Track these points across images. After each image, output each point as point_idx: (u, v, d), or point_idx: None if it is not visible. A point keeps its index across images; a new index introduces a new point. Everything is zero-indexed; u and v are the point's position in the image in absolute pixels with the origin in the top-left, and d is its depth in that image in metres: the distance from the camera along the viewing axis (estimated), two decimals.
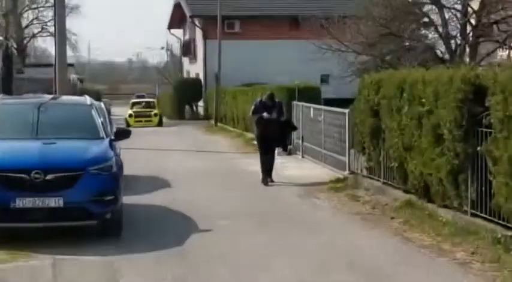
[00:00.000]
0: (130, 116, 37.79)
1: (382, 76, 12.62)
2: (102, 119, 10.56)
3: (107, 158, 9.39)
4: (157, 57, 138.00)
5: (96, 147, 9.60)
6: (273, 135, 14.41)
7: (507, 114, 8.42)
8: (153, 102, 41.20)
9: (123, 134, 10.66)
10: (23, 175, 8.79)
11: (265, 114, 14.36)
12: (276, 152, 16.56)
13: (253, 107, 14.83)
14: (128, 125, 34.44)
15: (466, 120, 9.50)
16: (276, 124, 14.46)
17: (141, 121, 36.80)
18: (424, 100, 10.61)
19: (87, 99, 11.09)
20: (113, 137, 10.31)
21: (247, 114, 26.42)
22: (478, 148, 9.26)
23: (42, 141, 9.53)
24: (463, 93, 9.51)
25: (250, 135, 25.65)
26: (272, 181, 14.17)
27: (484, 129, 9.14)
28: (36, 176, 8.77)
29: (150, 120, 37.26)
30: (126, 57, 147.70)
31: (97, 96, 51.87)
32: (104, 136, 10.06)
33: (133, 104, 41.04)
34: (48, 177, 8.80)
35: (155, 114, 37.88)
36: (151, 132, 30.82)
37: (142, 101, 42.44)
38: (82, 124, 10.30)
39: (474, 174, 9.45)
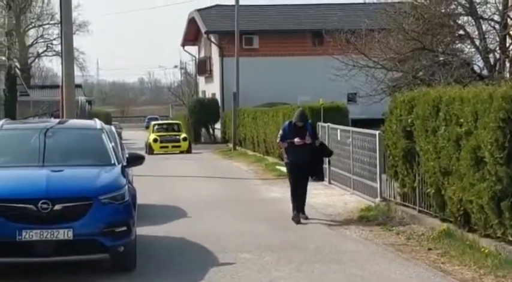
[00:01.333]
0: (155, 140, 35.18)
1: (416, 94, 12.58)
2: (113, 144, 10.58)
3: (119, 186, 9.39)
4: (170, 77, 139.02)
5: (107, 175, 9.61)
6: (307, 163, 13.24)
7: None
8: (178, 124, 38.94)
9: (135, 160, 10.68)
10: (29, 205, 8.77)
11: (297, 140, 13.08)
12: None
13: (281, 132, 13.56)
14: (151, 151, 33.66)
15: (509, 141, 9.43)
16: (310, 150, 13.26)
17: (167, 147, 34.83)
18: (462, 120, 10.55)
19: (97, 123, 11.13)
20: (125, 164, 10.33)
21: (268, 136, 26.55)
22: None
23: (49, 169, 9.55)
24: (505, 112, 9.44)
25: (271, 159, 25.72)
26: (306, 217, 13.21)
27: None
28: (44, 206, 8.76)
29: (178, 146, 35.02)
30: (137, 77, 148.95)
31: (106, 119, 52.32)
32: (116, 162, 10.08)
33: (156, 127, 38.33)
34: (57, 207, 8.79)
35: (184, 139, 35.46)
36: (164, 158, 30.90)
37: (165, 123, 40.96)
38: (92, 150, 10.35)
39: None
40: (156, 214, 13.87)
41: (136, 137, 50.38)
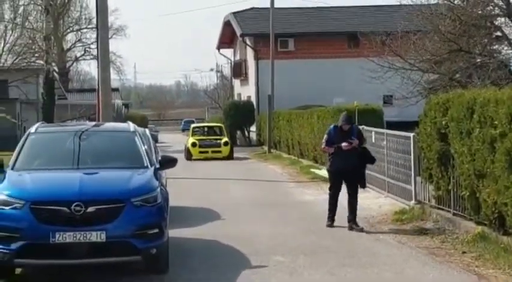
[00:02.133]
0: (193, 145, 31.90)
1: (450, 96, 12.44)
2: (146, 147, 10.62)
3: (152, 189, 9.41)
4: (206, 80, 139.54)
5: (139, 177, 9.63)
6: (352, 169, 12.72)
7: None
8: (219, 127, 35.29)
9: (168, 162, 10.70)
10: (62, 208, 8.82)
11: (344, 145, 12.56)
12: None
13: (326, 137, 13.02)
14: (190, 156, 31.27)
15: None
16: (356, 155, 12.73)
17: (207, 152, 31.59)
18: (496, 122, 10.41)
19: (131, 126, 11.17)
20: (158, 166, 10.36)
21: (303, 139, 26.49)
22: None
23: (82, 172, 9.62)
24: None
25: (306, 162, 25.66)
26: (361, 229, 12.46)
27: None
28: (77, 208, 8.79)
29: (219, 151, 31.58)
30: (174, 80, 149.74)
31: (142, 122, 52.62)
32: (149, 165, 10.10)
33: (195, 130, 35.15)
34: (90, 209, 8.82)
35: (225, 143, 31.86)
36: (198, 160, 30.93)
37: (205, 126, 37.34)
38: (125, 152, 10.39)
39: None
40: (190, 216, 13.91)
41: (173, 140, 50.60)
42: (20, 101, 44.54)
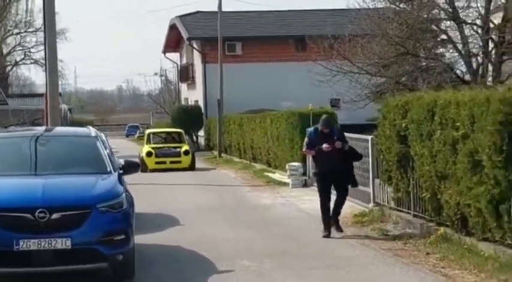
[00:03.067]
0: (149, 154, 27.64)
1: (409, 99, 12.59)
2: (108, 151, 10.50)
3: (117, 194, 9.29)
4: (151, 84, 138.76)
5: (104, 183, 9.51)
6: (339, 170, 12.54)
7: None
8: (178, 133, 31.02)
9: (132, 167, 10.57)
10: (26, 215, 8.65)
11: (325, 146, 12.44)
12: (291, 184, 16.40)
13: (307, 140, 12.90)
14: (144, 167, 25.68)
15: (507, 144, 9.45)
16: (340, 156, 12.56)
17: (164, 162, 27.53)
18: (458, 124, 10.56)
19: (91, 131, 11.02)
20: (121, 171, 10.24)
21: (255, 143, 26.49)
22: None
23: (45, 178, 9.45)
24: (503, 115, 9.47)
25: (259, 166, 25.68)
26: (341, 230, 12.48)
27: None
28: (41, 215, 8.62)
29: (178, 161, 27.61)
30: (116, 85, 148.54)
31: (82, 127, 51.79)
32: (112, 170, 9.97)
33: (151, 136, 30.59)
34: (54, 216, 8.66)
35: (186, 152, 27.91)
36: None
37: (163, 132, 32.57)
38: (87, 158, 10.22)
39: None
40: (149, 222, 13.75)
41: (119, 146, 49.90)
42: None
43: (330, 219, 12.44)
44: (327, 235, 12.21)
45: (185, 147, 28.44)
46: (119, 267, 9.06)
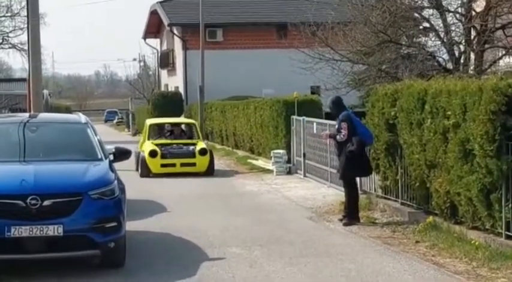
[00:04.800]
0: (153, 154, 19.96)
1: (399, 87, 12.60)
2: (98, 138, 10.43)
3: (109, 181, 9.23)
4: (130, 70, 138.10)
5: (96, 169, 9.45)
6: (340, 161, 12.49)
7: None
8: (190, 126, 23.04)
9: (123, 154, 10.50)
10: (17, 201, 8.59)
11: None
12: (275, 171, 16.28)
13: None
14: (147, 171, 19.91)
15: (499, 133, 9.50)
16: (338, 145, 12.41)
17: (173, 165, 19.95)
18: (449, 113, 10.59)
19: (82, 117, 10.98)
20: (112, 158, 10.17)
21: (238, 130, 26.43)
22: None
23: (36, 164, 9.38)
24: (496, 105, 9.50)
25: (241, 153, 25.65)
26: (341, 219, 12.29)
27: None
28: (33, 202, 8.57)
29: (192, 164, 20.03)
30: (93, 70, 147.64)
31: (67, 112, 51.65)
32: (103, 157, 9.92)
33: (153, 128, 22.54)
34: (46, 203, 8.61)
35: (202, 151, 20.15)
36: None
37: (170, 123, 22.94)
38: (78, 144, 10.17)
39: (509, 192, 9.43)
40: (136, 209, 13.66)
41: (98, 131, 49.82)
42: None
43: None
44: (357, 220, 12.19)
45: (201, 145, 20.48)
46: (110, 254, 9.03)
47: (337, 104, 12.57)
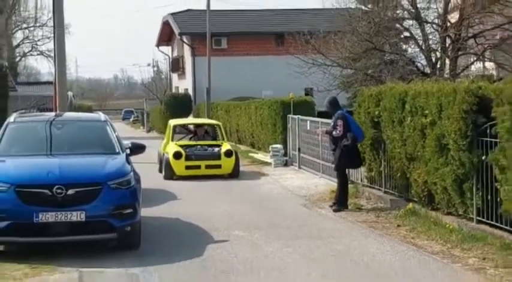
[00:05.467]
0: (177, 156, 17.22)
1: (382, 89, 12.58)
2: (116, 134, 10.43)
3: (125, 173, 9.24)
4: (144, 74, 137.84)
5: (114, 162, 9.45)
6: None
7: None
8: (214, 127, 19.86)
9: (138, 148, 10.49)
10: (45, 190, 8.62)
11: (335, 133, 12.10)
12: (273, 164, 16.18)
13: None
14: (171, 173, 17.17)
15: (471, 130, 9.49)
16: (332, 140, 12.34)
17: (198, 167, 17.22)
18: (427, 112, 10.58)
19: (101, 116, 10.97)
20: (128, 152, 10.15)
21: (240, 127, 26.38)
22: (483, 157, 9.26)
23: (61, 157, 9.39)
24: (468, 105, 9.50)
25: (244, 147, 25.59)
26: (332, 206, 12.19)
27: (489, 139, 9.13)
28: (58, 191, 8.60)
29: (217, 166, 17.34)
30: (112, 74, 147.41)
31: (89, 111, 51.54)
32: (120, 151, 9.92)
33: (177, 129, 19.66)
34: (70, 192, 8.64)
35: (227, 153, 17.48)
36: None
37: (193, 124, 20.93)
38: (98, 140, 10.17)
39: (479, 182, 9.43)
40: (148, 197, 13.66)
41: (117, 128, 49.73)
42: None
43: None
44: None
45: (226, 146, 17.80)
46: (127, 237, 9.04)
47: (334, 103, 12.55)
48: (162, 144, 18.39)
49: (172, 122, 19.21)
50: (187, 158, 17.07)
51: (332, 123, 12.37)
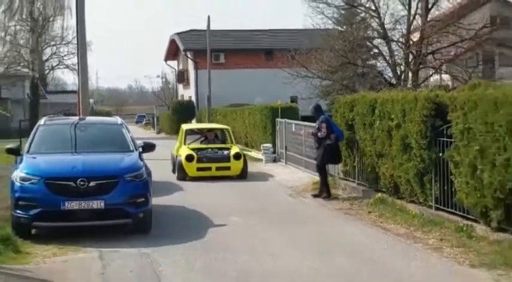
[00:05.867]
0: (190, 158, 15.82)
1: (356, 97, 12.58)
2: (131, 135, 10.40)
3: (139, 167, 9.21)
4: (154, 84, 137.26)
5: (128, 159, 9.42)
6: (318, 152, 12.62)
7: (466, 127, 8.43)
8: (222, 131, 18.26)
9: (149, 147, 10.43)
10: (70, 183, 8.60)
11: (320, 134, 12.25)
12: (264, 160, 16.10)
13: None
14: (183, 174, 15.74)
15: (430, 131, 9.51)
16: (317, 140, 12.52)
17: (209, 169, 15.77)
18: (393, 116, 10.60)
19: (118, 120, 10.94)
20: (140, 150, 10.11)
21: (236, 129, 26.19)
22: (441, 154, 9.28)
23: (84, 155, 9.35)
24: (427, 110, 9.52)
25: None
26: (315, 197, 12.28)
27: (445, 139, 9.15)
28: (81, 183, 8.59)
29: (226, 167, 15.85)
30: (127, 84, 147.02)
31: (108, 115, 51.25)
32: (134, 149, 9.89)
33: (188, 133, 17.76)
34: (91, 184, 8.62)
35: (236, 156, 15.94)
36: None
37: (204, 129, 18.78)
38: (115, 140, 10.12)
39: (437, 175, 9.45)
40: (156, 188, 13.60)
41: (174, 150, 49.52)
42: (10, 100, 43.16)
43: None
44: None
45: (235, 149, 16.21)
46: (140, 222, 9.03)
47: (318, 109, 12.68)
48: (175, 147, 17.10)
49: (185, 127, 17.91)
50: (199, 161, 15.73)
51: (317, 126, 12.40)
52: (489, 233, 8.06)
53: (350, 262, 7.41)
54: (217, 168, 15.69)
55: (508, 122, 7.55)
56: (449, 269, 7.03)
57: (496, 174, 7.75)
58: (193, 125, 21.70)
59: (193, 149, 16.20)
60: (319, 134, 12.26)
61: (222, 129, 18.17)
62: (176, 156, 16.52)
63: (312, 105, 12.90)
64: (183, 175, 15.68)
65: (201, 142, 17.49)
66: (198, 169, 15.68)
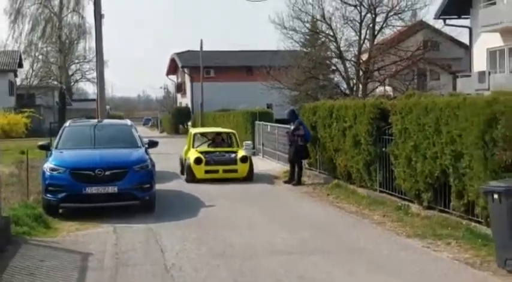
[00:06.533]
0: (198, 161, 13.10)
1: (317, 104, 12.61)
2: (139, 134, 10.32)
3: (145, 160, 9.16)
4: (157, 94, 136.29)
5: (136, 153, 9.36)
6: (293, 149, 12.50)
7: (404, 127, 8.51)
8: (229, 135, 15.01)
9: (153, 144, 10.36)
10: (90, 172, 8.56)
11: (300, 132, 12.27)
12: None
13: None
14: (192, 176, 13.06)
15: (375, 131, 9.57)
16: (293, 140, 12.41)
17: (216, 171, 13.04)
18: (346, 119, 10.65)
19: (128, 122, 10.86)
20: (146, 146, 10.05)
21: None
22: (384, 149, 9.35)
23: (101, 149, 9.27)
24: (373, 114, 9.58)
25: None
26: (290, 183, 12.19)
27: (387, 137, 9.22)
28: (99, 172, 8.54)
29: (233, 170, 13.12)
30: (136, 93, 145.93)
31: (120, 119, 50.86)
32: (141, 145, 9.82)
33: (197, 136, 15.18)
34: (107, 173, 8.58)
35: (243, 159, 13.21)
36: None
37: (212, 133, 15.43)
38: (126, 138, 10.04)
39: (381, 165, 9.52)
40: (159, 177, 13.41)
41: (183, 153, 49.07)
42: (42, 106, 42.81)
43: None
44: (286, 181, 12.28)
45: (241, 153, 13.64)
46: (146, 203, 8.96)
47: (292, 113, 12.63)
48: (184, 150, 14.55)
49: (193, 131, 15.18)
50: (207, 163, 13.14)
51: (293, 127, 12.39)
52: (421, 210, 8.16)
53: (312, 233, 7.43)
54: (225, 171, 13.15)
55: (435, 124, 7.64)
56: (390, 239, 7.08)
57: (426, 165, 7.84)
58: (201, 129, 18.80)
59: (201, 152, 13.65)
60: (299, 132, 12.26)
61: (228, 133, 15.17)
62: (185, 159, 13.94)
63: (287, 109, 12.81)
64: (191, 177, 13.08)
65: (209, 145, 14.74)
66: (206, 172, 13.12)
